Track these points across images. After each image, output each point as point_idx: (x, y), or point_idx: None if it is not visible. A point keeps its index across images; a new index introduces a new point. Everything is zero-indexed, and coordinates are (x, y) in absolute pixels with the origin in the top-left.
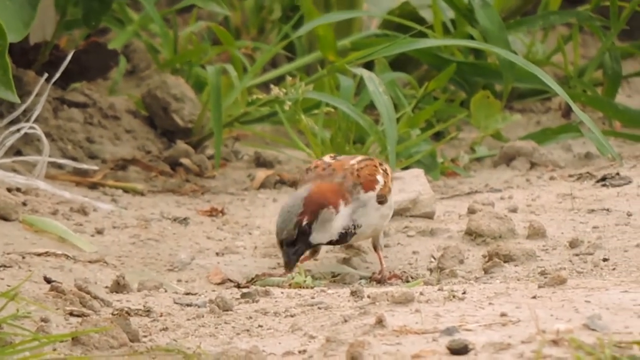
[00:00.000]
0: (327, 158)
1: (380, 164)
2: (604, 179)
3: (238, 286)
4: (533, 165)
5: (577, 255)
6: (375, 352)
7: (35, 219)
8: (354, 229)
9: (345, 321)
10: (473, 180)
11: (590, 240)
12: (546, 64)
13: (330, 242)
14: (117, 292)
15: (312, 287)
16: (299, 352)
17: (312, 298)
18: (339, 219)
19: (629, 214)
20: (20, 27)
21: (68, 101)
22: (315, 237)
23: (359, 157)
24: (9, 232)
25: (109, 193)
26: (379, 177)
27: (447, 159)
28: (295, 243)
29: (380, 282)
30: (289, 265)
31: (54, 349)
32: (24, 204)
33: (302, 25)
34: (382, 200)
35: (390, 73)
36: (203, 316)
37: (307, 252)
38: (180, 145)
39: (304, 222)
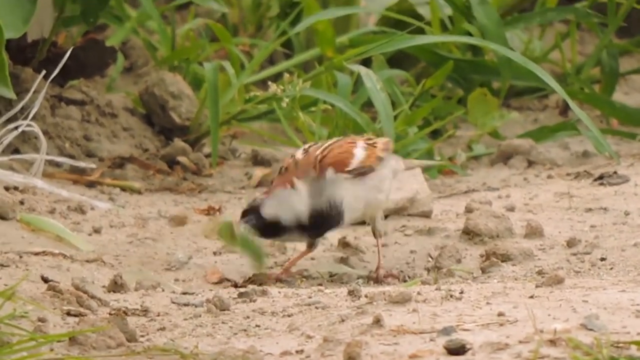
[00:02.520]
0: (299, 152)
1: (368, 140)
2: (601, 177)
3: (235, 285)
4: (530, 163)
5: (574, 254)
6: (373, 351)
7: (32, 218)
8: (335, 207)
9: (343, 321)
10: (470, 178)
11: (588, 239)
12: (544, 61)
13: (303, 228)
14: (114, 292)
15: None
16: (297, 352)
17: (310, 297)
18: (301, 196)
19: (627, 213)
20: (19, 24)
21: (65, 99)
22: (267, 212)
23: (330, 141)
24: (6, 231)
25: (106, 191)
26: (356, 151)
27: (444, 157)
28: (248, 213)
29: (377, 280)
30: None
31: (51, 349)
32: (21, 202)
33: (299, 22)
34: (363, 172)
35: (388, 70)
36: (200, 316)
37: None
38: (178, 143)
39: (257, 201)
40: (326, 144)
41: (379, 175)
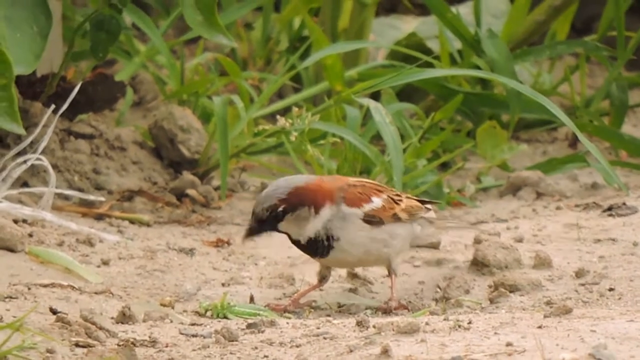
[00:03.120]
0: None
1: (393, 192)
2: (610, 208)
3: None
4: (539, 195)
5: (583, 285)
6: None
7: (41, 250)
8: (329, 240)
9: (351, 351)
10: (479, 210)
11: (596, 270)
12: (553, 94)
13: (299, 244)
14: (122, 323)
15: None
16: None
17: (318, 328)
18: (315, 221)
19: (635, 244)
20: (30, 59)
21: (75, 132)
22: (284, 227)
23: (364, 180)
24: (14, 264)
25: (115, 224)
26: (375, 199)
27: (453, 189)
28: (265, 222)
29: (387, 311)
30: (248, 234)
31: None
32: (30, 235)
33: (308, 56)
34: (371, 220)
35: (397, 103)
36: (209, 347)
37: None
38: (187, 176)
39: (279, 209)
40: (361, 180)
41: (390, 231)
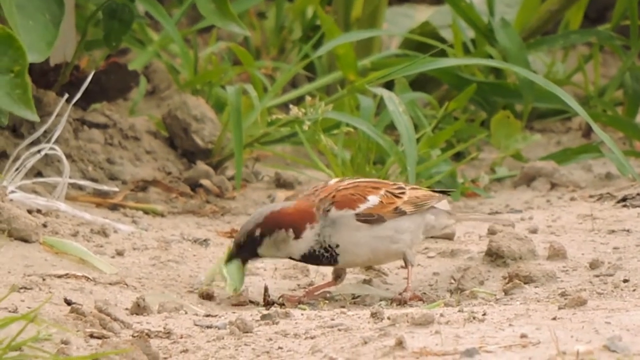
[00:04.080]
0: (331, 181)
1: (395, 185)
2: (624, 199)
3: (266, 303)
4: (553, 185)
5: (597, 276)
6: None
7: (55, 241)
8: (329, 250)
9: (365, 343)
10: (493, 200)
11: (611, 261)
12: (566, 84)
13: (295, 259)
14: (137, 314)
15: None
16: None
17: (332, 320)
18: (299, 243)
19: None
20: (43, 47)
21: (88, 122)
22: (264, 251)
23: (357, 180)
24: (29, 254)
25: (129, 214)
26: (371, 197)
27: (467, 180)
28: (243, 247)
29: (401, 302)
30: (228, 260)
31: None
32: (44, 225)
33: (321, 45)
34: (369, 219)
35: (410, 93)
36: (223, 338)
37: (329, 282)
38: (201, 166)
39: (255, 233)
40: (351, 182)
41: (394, 227)
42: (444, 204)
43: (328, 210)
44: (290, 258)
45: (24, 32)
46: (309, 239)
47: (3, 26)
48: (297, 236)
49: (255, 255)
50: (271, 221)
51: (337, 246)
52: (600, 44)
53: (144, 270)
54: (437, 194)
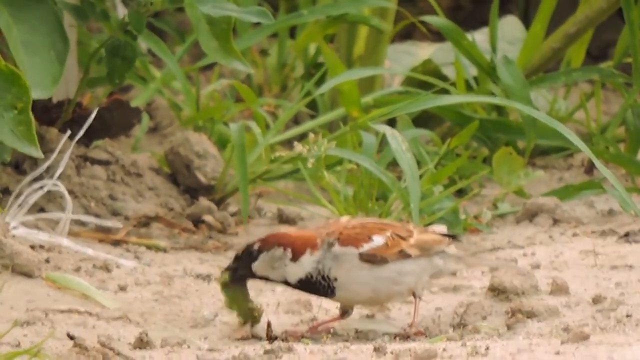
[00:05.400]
0: (343, 219)
1: (403, 227)
2: (627, 235)
3: (269, 337)
4: (556, 221)
5: (600, 311)
6: None
7: (58, 276)
8: (326, 280)
9: None
10: (496, 236)
11: (613, 296)
12: (568, 121)
13: (290, 285)
14: (140, 349)
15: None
16: None
17: (335, 354)
18: (296, 266)
19: None
20: (48, 84)
21: (91, 158)
22: (259, 268)
23: (366, 220)
24: (32, 289)
25: (132, 250)
26: (376, 237)
27: (469, 216)
28: (240, 261)
29: (405, 337)
30: (223, 272)
31: None
32: (47, 260)
33: (324, 82)
34: (370, 259)
35: (413, 130)
36: None
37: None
38: (203, 202)
39: (254, 247)
40: (360, 221)
41: (397, 269)
42: (453, 248)
43: (332, 245)
44: (286, 283)
45: (29, 69)
46: (306, 265)
47: (7, 64)
48: (295, 259)
49: (250, 271)
50: (272, 239)
51: (336, 280)
52: (602, 81)
53: (147, 305)
54: (446, 239)
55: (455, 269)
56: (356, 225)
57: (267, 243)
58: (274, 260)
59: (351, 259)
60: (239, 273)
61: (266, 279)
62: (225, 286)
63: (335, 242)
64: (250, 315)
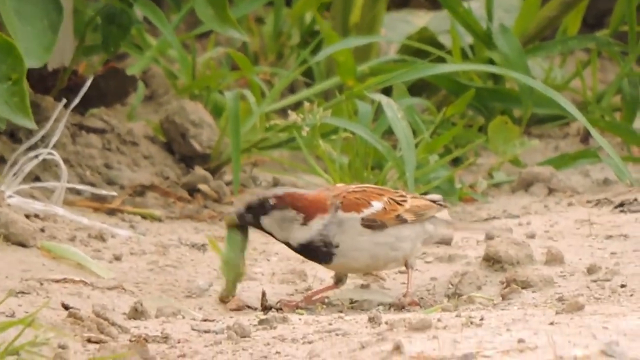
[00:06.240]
0: (338, 185)
1: (397, 193)
2: (622, 204)
3: (264, 307)
4: (551, 191)
5: (594, 281)
6: None
7: (53, 246)
8: (328, 247)
9: (363, 347)
10: (491, 206)
11: (608, 266)
12: (565, 90)
13: (295, 249)
14: (134, 319)
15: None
16: None
17: (330, 324)
18: (304, 230)
19: None
20: (41, 53)
21: (86, 127)
22: (267, 223)
23: (364, 185)
24: (26, 259)
25: (127, 219)
26: (375, 203)
27: (465, 185)
28: (251, 208)
29: (399, 307)
30: (229, 213)
31: None
32: (42, 230)
33: (320, 50)
34: (372, 225)
35: (409, 98)
36: (221, 343)
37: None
38: (199, 171)
39: (269, 201)
40: (359, 186)
41: (396, 234)
42: (443, 213)
43: (338, 208)
44: (288, 245)
45: (22, 38)
46: (313, 230)
47: (1, 34)
48: (305, 223)
49: (257, 223)
50: (288, 198)
51: (337, 246)
52: (599, 50)
53: (142, 275)
54: (436, 205)
55: (444, 234)
56: (357, 189)
57: (283, 201)
58: (284, 221)
59: (354, 224)
60: (247, 220)
61: (269, 234)
62: (230, 227)
63: (340, 205)
64: (237, 271)
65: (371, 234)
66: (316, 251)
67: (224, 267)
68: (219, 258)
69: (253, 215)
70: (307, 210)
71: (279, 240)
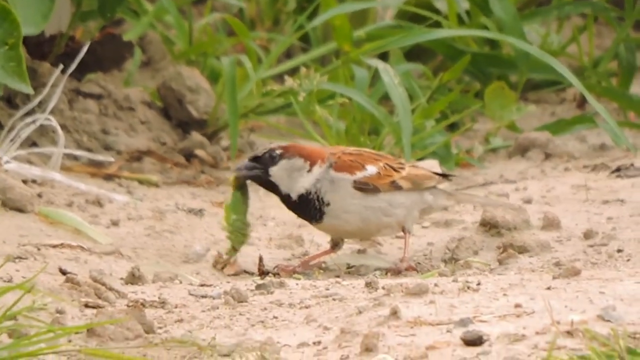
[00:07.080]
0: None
1: (395, 160)
2: (618, 169)
3: (261, 272)
4: (548, 156)
5: (591, 246)
6: (390, 343)
7: (50, 211)
8: (320, 202)
9: (360, 312)
10: (487, 171)
11: (605, 231)
12: (561, 55)
13: (291, 203)
14: (132, 284)
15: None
16: (314, 343)
17: (327, 289)
18: (306, 178)
19: None
20: (39, 20)
21: (83, 92)
22: (276, 173)
23: (364, 150)
24: (24, 224)
25: (124, 185)
26: (370, 167)
27: (461, 150)
28: (259, 159)
29: (396, 272)
30: (239, 168)
31: (69, 341)
32: (40, 195)
33: (316, 16)
34: (364, 188)
35: (405, 64)
36: (218, 308)
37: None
38: (195, 136)
39: (276, 152)
40: (356, 149)
41: (388, 200)
42: (443, 184)
43: (331, 165)
44: (287, 198)
45: (19, 5)
46: (313, 177)
47: None
48: (310, 169)
49: (266, 174)
50: (293, 149)
51: (328, 204)
52: (595, 15)
53: (139, 240)
54: (437, 176)
55: (445, 205)
56: (353, 152)
57: (289, 151)
58: (293, 170)
59: (345, 184)
60: (255, 172)
61: (273, 187)
62: (236, 183)
63: (334, 163)
64: (242, 230)
65: (362, 197)
66: (310, 205)
67: (229, 229)
68: (224, 220)
69: (261, 168)
70: (311, 157)
71: (281, 193)
